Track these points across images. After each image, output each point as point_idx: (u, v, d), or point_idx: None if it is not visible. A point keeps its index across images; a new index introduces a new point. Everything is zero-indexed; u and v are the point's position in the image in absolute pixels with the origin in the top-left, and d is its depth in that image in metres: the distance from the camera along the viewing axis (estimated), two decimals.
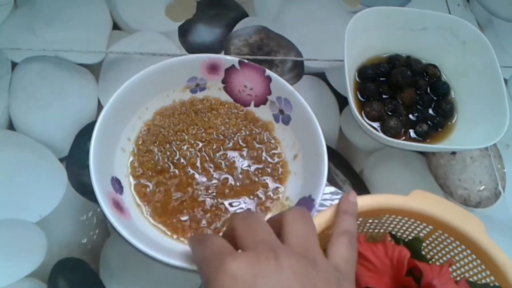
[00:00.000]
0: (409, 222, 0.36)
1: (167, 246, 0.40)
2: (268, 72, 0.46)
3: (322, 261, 0.27)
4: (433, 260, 0.38)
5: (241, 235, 0.28)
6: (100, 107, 0.52)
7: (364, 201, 0.34)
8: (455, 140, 0.50)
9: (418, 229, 0.37)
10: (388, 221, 0.37)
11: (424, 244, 0.38)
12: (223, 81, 0.48)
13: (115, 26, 0.58)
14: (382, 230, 0.39)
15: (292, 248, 0.27)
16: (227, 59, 0.47)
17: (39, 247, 0.43)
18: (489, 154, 0.54)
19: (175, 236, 0.41)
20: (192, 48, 0.57)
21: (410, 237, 0.38)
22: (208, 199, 0.43)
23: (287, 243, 0.27)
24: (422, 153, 0.53)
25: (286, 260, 0.25)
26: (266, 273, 0.24)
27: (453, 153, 0.54)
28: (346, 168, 0.51)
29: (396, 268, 0.32)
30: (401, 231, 0.38)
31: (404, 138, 0.51)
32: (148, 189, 0.43)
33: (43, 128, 0.49)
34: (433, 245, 0.37)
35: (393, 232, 0.38)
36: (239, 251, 0.27)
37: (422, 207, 0.34)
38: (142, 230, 0.40)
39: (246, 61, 0.46)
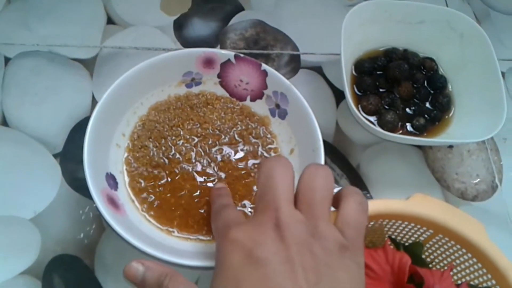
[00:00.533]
0: (409, 226, 0.36)
1: (162, 242, 0.39)
2: (264, 66, 0.45)
3: (324, 227, 0.26)
4: (434, 263, 0.38)
5: (258, 188, 0.29)
6: (94, 102, 0.51)
7: None
8: (452, 134, 0.50)
9: (418, 233, 0.36)
10: (388, 226, 0.37)
11: (424, 248, 0.37)
12: (219, 76, 0.48)
13: (110, 21, 0.57)
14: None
15: (299, 212, 0.27)
16: (222, 54, 0.46)
17: (33, 244, 0.43)
18: (486, 148, 0.54)
19: (170, 232, 0.41)
20: (187, 43, 0.57)
21: (410, 241, 0.38)
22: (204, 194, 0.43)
23: (297, 206, 0.27)
24: (419, 146, 0.53)
25: (286, 229, 0.25)
26: (264, 240, 0.25)
27: (450, 146, 0.53)
28: (343, 163, 0.51)
29: (397, 275, 0.32)
30: (401, 235, 0.38)
31: (401, 132, 0.50)
32: (143, 185, 0.43)
33: (37, 124, 0.49)
34: (433, 248, 0.37)
35: (393, 236, 0.38)
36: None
37: (422, 211, 0.34)
38: (137, 226, 0.40)
39: (242, 55, 0.46)
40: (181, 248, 0.39)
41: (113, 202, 0.39)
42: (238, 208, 0.43)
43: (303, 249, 0.25)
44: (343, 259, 0.25)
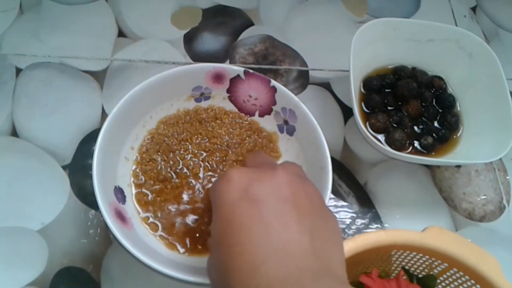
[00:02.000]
0: (424, 258, 0.36)
1: (169, 257, 0.39)
2: (273, 82, 0.46)
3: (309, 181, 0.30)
4: None
5: (247, 161, 0.35)
6: (104, 114, 0.51)
7: (379, 237, 0.33)
8: (460, 154, 0.50)
9: (432, 265, 0.36)
10: (402, 257, 0.37)
11: (437, 281, 0.37)
12: (228, 91, 0.48)
13: (120, 33, 0.58)
14: (395, 265, 0.38)
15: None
16: (232, 69, 0.46)
17: (40, 255, 0.43)
18: (494, 168, 0.54)
19: (176, 246, 0.41)
20: (197, 56, 0.57)
21: (424, 273, 0.38)
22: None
23: None
24: (426, 165, 0.53)
25: (282, 173, 0.28)
26: (261, 179, 0.27)
27: (458, 166, 0.53)
28: (350, 180, 0.51)
29: None
30: (415, 266, 0.37)
31: (408, 150, 0.50)
32: (149, 198, 0.43)
33: (47, 135, 0.49)
34: (447, 282, 0.37)
35: (407, 267, 0.38)
36: None
37: (437, 244, 0.34)
38: (144, 239, 0.40)
39: (251, 71, 0.46)
40: (187, 264, 0.39)
41: (120, 216, 0.39)
42: None
43: (295, 190, 0.27)
44: (325, 207, 0.30)
